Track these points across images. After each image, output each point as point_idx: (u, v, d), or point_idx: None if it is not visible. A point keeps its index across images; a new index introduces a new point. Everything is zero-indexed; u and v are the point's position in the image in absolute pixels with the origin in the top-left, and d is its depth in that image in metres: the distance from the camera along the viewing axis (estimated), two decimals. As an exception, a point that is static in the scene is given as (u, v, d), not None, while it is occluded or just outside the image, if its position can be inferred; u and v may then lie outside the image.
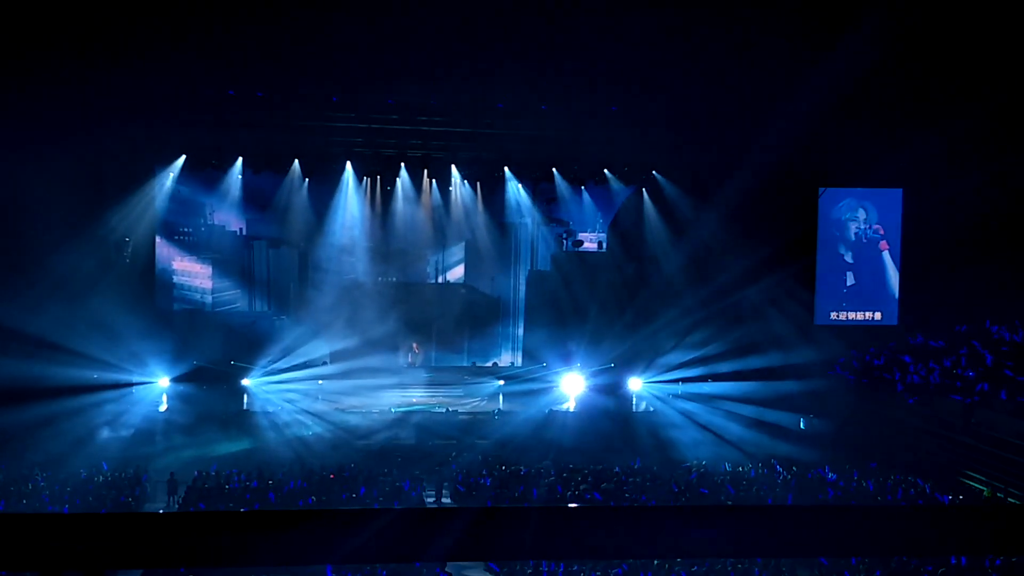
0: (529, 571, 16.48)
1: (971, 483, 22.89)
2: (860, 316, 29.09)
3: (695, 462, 24.02)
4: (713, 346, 27.22)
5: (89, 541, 2.30)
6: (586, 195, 31.36)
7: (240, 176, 29.54)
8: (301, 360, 27.69)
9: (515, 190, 30.99)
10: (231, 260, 30.94)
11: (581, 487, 21.84)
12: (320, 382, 27.56)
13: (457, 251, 32.58)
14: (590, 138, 28.43)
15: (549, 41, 24.81)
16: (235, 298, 31.20)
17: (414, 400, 28.15)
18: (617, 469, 23.11)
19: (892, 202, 29.01)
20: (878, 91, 25.43)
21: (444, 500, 22.49)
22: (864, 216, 29.08)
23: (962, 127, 23.12)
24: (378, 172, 30.19)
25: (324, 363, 28.66)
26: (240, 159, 29.14)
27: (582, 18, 24.40)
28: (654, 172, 30.25)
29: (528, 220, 32.01)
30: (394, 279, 31.34)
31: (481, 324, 31.73)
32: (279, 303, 31.30)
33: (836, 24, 22.62)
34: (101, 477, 21.54)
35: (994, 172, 24.01)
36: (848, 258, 29.14)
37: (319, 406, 26.87)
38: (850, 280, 29.13)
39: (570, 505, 16.15)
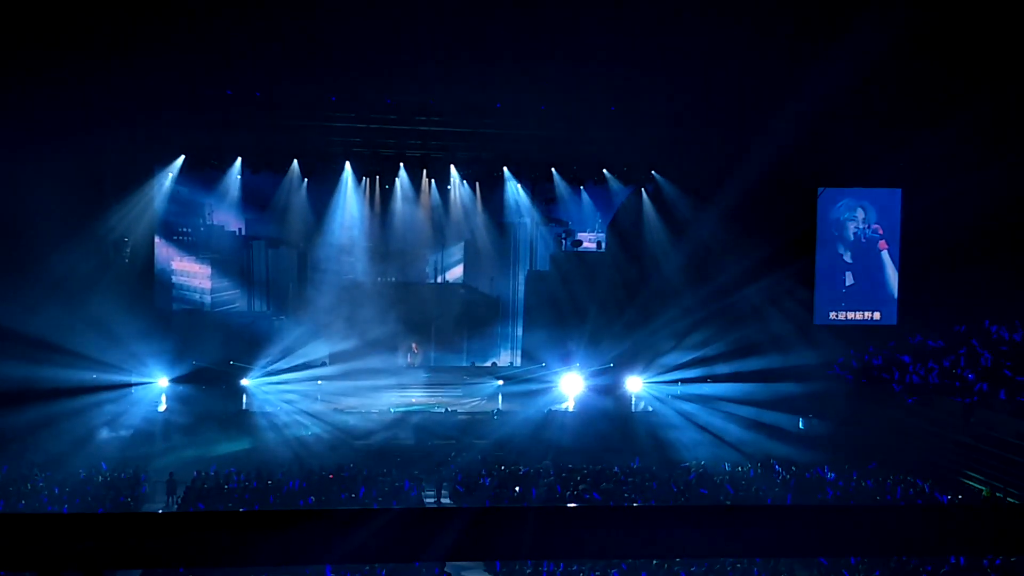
0: (528, 571, 16.48)
1: (970, 483, 22.89)
2: (859, 316, 29.10)
3: (694, 462, 24.03)
4: (712, 347, 27.23)
5: (88, 541, 2.29)
6: (585, 195, 31.35)
7: (239, 176, 29.52)
8: (300, 360, 27.68)
9: (514, 190, 30.98)
10: (230, 260, 30.92)
11: (580, 487, 21.85)
12: (319, 382, 27.56)
13: (456, 251, 32.58)
14: (589, 138, 28.43)
15: (548, 41, 24.81)
16: (234, 298, 31.18)
17: (413, 400, 28.15)
18: (616, 469, 23.11)
19: (891, 202, 29.03)
20: (877, 91, 25.45)
21: (443, 500, 22.49)
22: (863, 216, 29.10)
23: (961, 127, 23.15)
24: (377, 172, 30.18)
25: (323, 363, 28.64)
26: (239, 159, 29.12)
27: (581, 18, 24.40)
28: (653, 172, 30.26)
29: (527, 220, 32.00)
30: (393, 279, 31.34)
31: (480, 324, 31.73)
32: (278, 303, 31.29)
33: (835, 24, 22.64)
34: (100, 477, 21.54)
35: (993, 172, 24.03)
36: (847, 258, 29.15)
37: (318, 406, 26.86)
38: (849, 280, 29.15)
39: (569, 505, 16.15)
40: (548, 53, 24.94)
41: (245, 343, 27.94)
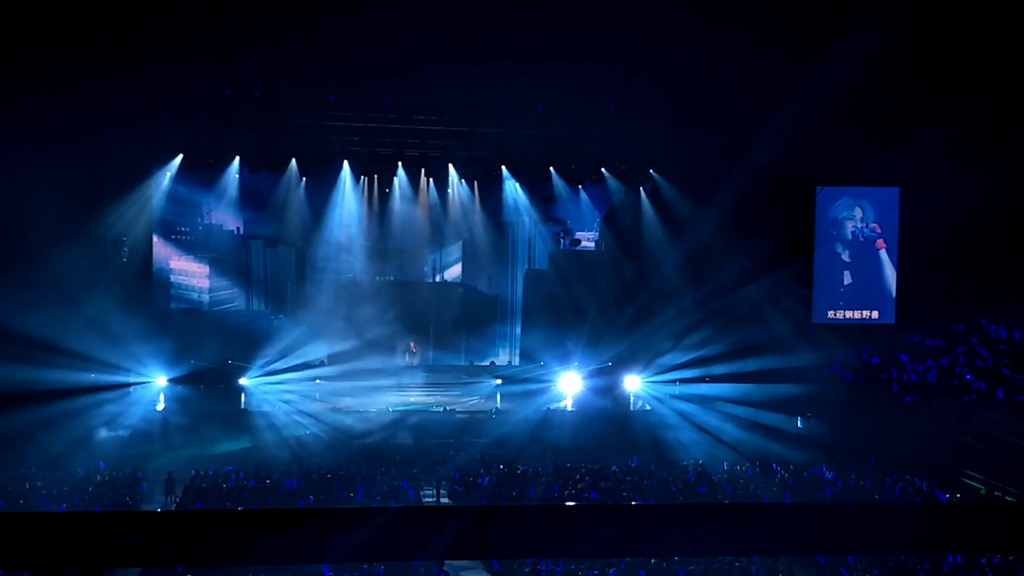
0: (527, 570, 16.48)
1: (968, 482, 22.89)
2: (857, 315, 29.12)
3: (692, 461, 24.04)
4: (711, 347, 27.21)
5: (86, 540, 2.29)
6: (583, 194, 31.36)
7: (237, 175, 29.53)
8: (299, 360, 27.67)
9: (512, 189, 30.98)
10: (228, 259, 30.93)
11: (578, 486, 21.85)
12: (318, 381, 27.55)
13: (454, 250, 32.59)
14: (587, 137, 28.44)
15: (547, 41, 24.82)
16: (232, 297, 31.17)
17: (412, 400, 28.14)
18: (614, 468, 23.11)
19: (889, 201, 29.04)
20: (876, 90, 25.46)
21: (442, 499, 22.49)
22: (861, 215, 29.11)
23: (959, 127, 23.16)
24: (375, 171, 30.19)
25: (322, 363, 28.63)
26: (237, 158, 29.14)
27: (580, 18, 24.40)
28: (652, 171, 30.26)
29: (525, 219, 32.01)
30: (391, 278, 31.34)
31: (478, 323, 31.73)
32: (276, 302, 31.29)
33: (835, 24, 22.65)
34: (99, 476, 21.52)
35: (991, 171, 24.04)
36: (845, 257, 29.17)
37: (317, 406, 26.84)
38: (847, 279, 29.17)
39: (567, 504, 16.15)
40: (547, 53, 24.94)
41: (243, 342, 27.93)
